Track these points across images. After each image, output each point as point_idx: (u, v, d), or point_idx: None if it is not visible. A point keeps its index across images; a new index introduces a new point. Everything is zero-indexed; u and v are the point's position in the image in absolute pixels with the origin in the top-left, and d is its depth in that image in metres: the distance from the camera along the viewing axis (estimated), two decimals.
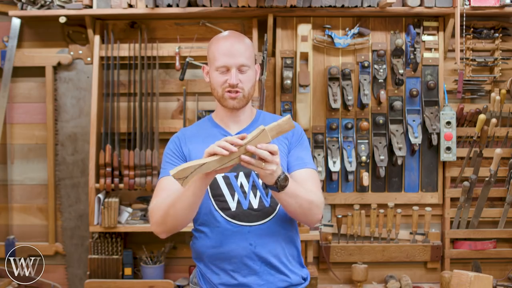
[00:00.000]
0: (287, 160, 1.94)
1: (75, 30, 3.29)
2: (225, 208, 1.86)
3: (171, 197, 1.76)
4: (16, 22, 3.25)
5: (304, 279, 1.97)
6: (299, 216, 1.83)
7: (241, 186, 1.87)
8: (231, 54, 1.87)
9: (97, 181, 3.16)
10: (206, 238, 1.89)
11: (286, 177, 1.69)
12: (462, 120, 3.25)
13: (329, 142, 3.21)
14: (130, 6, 3.12)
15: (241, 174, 1.87)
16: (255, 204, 1.86)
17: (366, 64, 3.20)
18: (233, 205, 1.86)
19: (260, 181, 1.88)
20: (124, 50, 3.23)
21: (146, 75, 3.23)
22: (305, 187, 1.82)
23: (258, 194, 1.87)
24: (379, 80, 3.20)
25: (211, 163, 1.60)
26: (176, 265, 3.33)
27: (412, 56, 3.17)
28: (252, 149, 1.59)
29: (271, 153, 1.61)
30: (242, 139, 1.62)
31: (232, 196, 1.86)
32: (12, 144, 3.37)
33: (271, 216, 1.87)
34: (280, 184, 1.68)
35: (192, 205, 1.74)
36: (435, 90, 3.24)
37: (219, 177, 1.86)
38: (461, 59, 3.20)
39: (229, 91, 1.88)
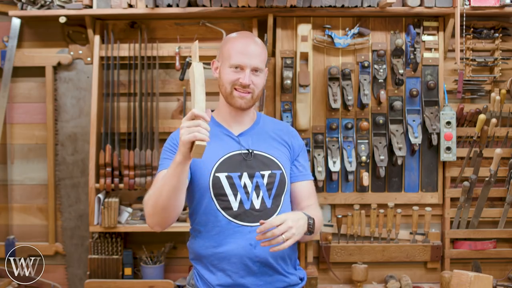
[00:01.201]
0: (290, 166, 1.98)
1: (75, 30, 3.29)
2: (227, 207, 1.86)
3: (157, 187, 1.75)
4: (16, 22, 3.25)
5: (301, 279, 1.98)
6: (309, 238, 1.95)
7: (245, 186, 1.87)
8: (248, 54, 1.88)
9: (97, 181, 3.16)
10: (206, 237, 1.89)
11: (313, 220, 1.82)
12: (462, 120, 3.25)
13: (329, 142, 3.21)
14: (130, 6, 3.12)
15: (245, 174, 1.88)
16: (257, 204, 1.87)
17: (366, 64, 3.20)
18: (235, 205, 1.86)
19: (265, 182, 1.89)
20: (124, 50, 3.23)
21: (146, 75, 3.23)
22: (315, 209, 1.96)
23: (261, 194, 1.88)
24: (379, 80, 3.20)
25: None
26: (176, 265, 3.33)
27: (412, 56, 3.17)
28: (260, 237, 1.72)
29: (279, 225, 1.71)
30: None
31: (235, 196, 1.86)
32: (12, 144, 3.37)
33: (272, 218, 1.88)
34: (312, 230, 1.82)
35: (176, 190, 1.70)
36: (435, 90, 3.24)
37: (223, 177, 1.87)
38: (461, 59, 3.20)
39: (238, 90, 1.88)
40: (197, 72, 1.68)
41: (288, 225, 1.69)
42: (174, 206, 1.74)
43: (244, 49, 1.88)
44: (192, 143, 1.60)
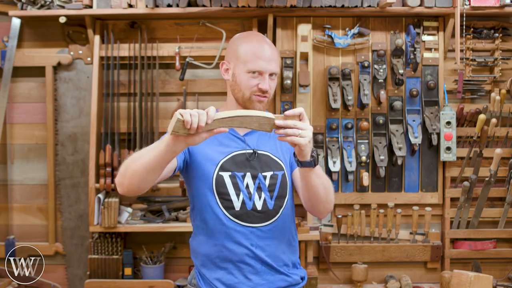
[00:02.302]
0: (290, 157, 1.96)
1: (75, 30, 3.29)
2: (229, 207, 1.86)
3: (137, 153, 1.71)
4: (16, 22, 3.25)
5: (302, 279, 1.98)
6: (321, 201, 1.82)
7: (247, 186, 1.87)
8: (267, 59, 1.86)
9: (97, 181, 3.16)
10: (207, 236, 1.89)
11: (317, 151, 1.72)
12: (462, 120, 3.25)
13: (329, 142, 3.21)
14: (130, 6, 3.12)
15: (248, 174, 1.88)
16: (259, 205, 1.87)
17: (366, 64, 3.20)
18: (237, 205, 1.86)
19: (267, 183, 1.88)
20: (124, 50, 3.23)
21: (146, 75, 3.23)
22: None
23: (263, 196, 1.88)
24: (379, 80, 3.20)
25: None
26: (176, 265, 3.33)
27: (412, 56, 3.17)
28: (280, 123, 1.61)
29: (299, 117, 1.63)
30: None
31: (237, 195, 1.86)
32: (12, 144, 3.37)
33: (273, 219, 1.88)
34: (315, 158, 1.70)
35: (150, 165, 1.65)
36: (435, 90, 3.24)
37: (226, 176, 1.87)
38: (461, 59, 3.20)
39: (257, 95, 1.87)
40: (269, 116, 1.63)
41: (308, 127, 1.63)
42: (144, 180, 1.70)
43: (261, 53, 1.86)
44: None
